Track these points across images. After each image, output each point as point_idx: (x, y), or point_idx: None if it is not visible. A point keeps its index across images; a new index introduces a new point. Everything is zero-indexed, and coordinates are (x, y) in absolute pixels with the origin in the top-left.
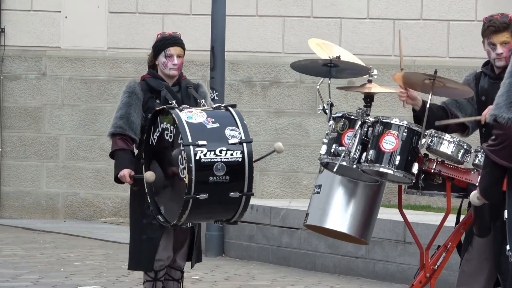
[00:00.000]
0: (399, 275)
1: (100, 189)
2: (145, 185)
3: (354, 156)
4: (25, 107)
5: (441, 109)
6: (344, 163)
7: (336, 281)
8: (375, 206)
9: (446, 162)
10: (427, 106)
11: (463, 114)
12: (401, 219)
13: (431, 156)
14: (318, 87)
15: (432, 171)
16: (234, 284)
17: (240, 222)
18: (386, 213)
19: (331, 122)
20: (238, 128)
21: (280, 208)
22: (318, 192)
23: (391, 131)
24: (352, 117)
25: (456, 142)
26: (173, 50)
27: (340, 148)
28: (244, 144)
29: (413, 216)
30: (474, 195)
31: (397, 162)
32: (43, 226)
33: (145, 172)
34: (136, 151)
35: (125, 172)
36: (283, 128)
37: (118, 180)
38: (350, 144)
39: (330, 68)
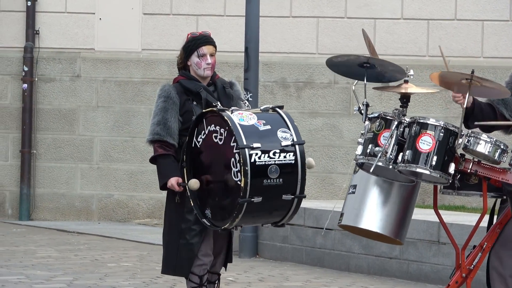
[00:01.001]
0: (433, 276)
1: (134, 191)
2: (187, 190)
3: (391, 156)
4: (59, 109)
5: (489, 106)
6: (380, 164)
7: (370, 281)
8: (410, 207)
9: (482, 162)
10: (464, 106)
11: (509, 111)
12: (435, 219)
13: (467, 156)
14: (353, 87)
15: (469, 171)
16: (268, 285)
17: None
18: (420, 214)
19: (366, 122)
20: (290, 130)
21: (314, 209)
22: (353, 192)
23: (428, 131)
24: (388, 117)
25: (493, 142)
26: (206, 49)
27: (377, 148)
28: (297, 146)
29: (447, 216)
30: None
31: (433, 163)
32: (77, 227)
33: (188, 179)
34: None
35: (173, 182)
36: (317, 129)
37: (164, 188)
38: (386, 144)
39: (366, 69)
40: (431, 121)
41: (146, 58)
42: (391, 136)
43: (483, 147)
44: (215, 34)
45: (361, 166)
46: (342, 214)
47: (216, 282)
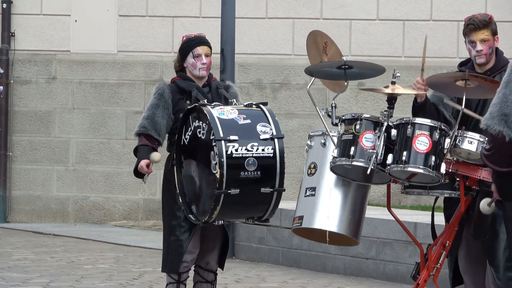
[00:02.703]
0: (409, 276)
1: (110, 193)
2: (176, 185)
3: (381, 158)
4: (35, 111)
5: (433, 105)
6: (361, 164)
7: (346, 282)
8: (365, 206)
9: (462, 160)
10: (462, 107)
11: (448, 112)
12: (412, 219)
13: (448, 156)
14: (308, 88)
15: (450, 170)
16: (244, 286)
17: (250, 224)
18: (397, 214)
19: (339, 123)
20: (270, 124)
21: (290, 210)
22: (313, 195)
23: (424, 132)
24: (370, 119)
25: (482, 141)
26: (201, 50)
27: (370, 150)
28: (276, 140)
29: (423, 216)
30: (485, 202)
31: (432, 163)
32: (53, 230)
33: (178, 177)
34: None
35: (142, 164)
36: (293, 130)
37: (137, 174)
38: (373, 146)
39: (345, 70)
40: (427, 121)
41: (122, 60)
42: (378, 138)
43: (473, 146)
44: None
45: (333, 168)
46: (301, 217)
47: (213, 282)
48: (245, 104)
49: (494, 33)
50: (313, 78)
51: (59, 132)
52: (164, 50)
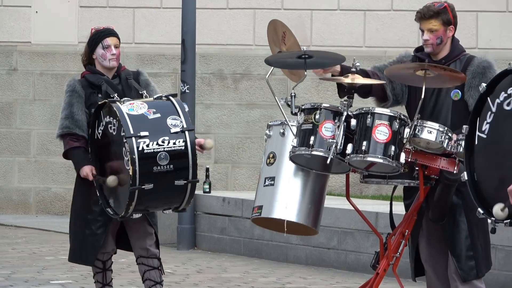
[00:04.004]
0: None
1: (71, 184)
2: (96, 183)
3: (340, 148)
4: None
5: (365, 73)
6: (321, 153)
7: (308, 272)
8: (324, 196)
9: (420, 150)
10: (422, 96)
11: (390, 87)
12: (373, 209)
13: (407, 146)
14: (267, 77)
15: (409, 160)
16: (206, 277)
17: (212, 215)
18: (357, 204)
19: (298, 113)
20: (180, 117)
21: (252, 200)
22: (272, 184)
23: (384, 122)
24: (329, 108)
25: (441, 130)
26: (110, 41)
27: (329, 140)
28: (186, 132)
29: (384, 206)
30: (498, 208)
31: (392, 153)
32: (14, 221)
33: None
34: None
35: (87, 170)
36: (254, 120)
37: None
38: (333, 135)
39: (305, 60)
40: (387, 111)
41: (82, 51)
42: (338, 127)
43: (432, 135)
44: (152, 27)
45: (292, 157)
46: (260, 207)
47: (159, 267)
48: (155, 96)
49: (447, 23)
50: (272, 68)
51: (20, 124)
52: (125, 41)
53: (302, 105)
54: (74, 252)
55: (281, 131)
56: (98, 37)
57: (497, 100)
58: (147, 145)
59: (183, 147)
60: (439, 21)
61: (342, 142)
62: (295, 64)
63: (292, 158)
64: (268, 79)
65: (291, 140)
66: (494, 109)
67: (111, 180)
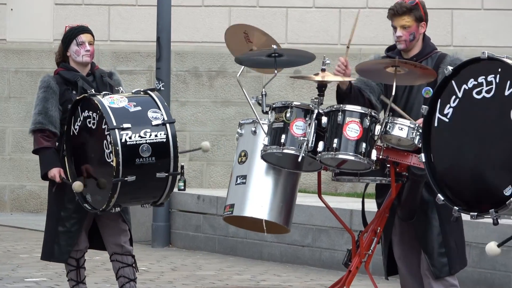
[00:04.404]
0: None
1: (46, 182)
2: (68, 176)
3: (311, 145)
4: None
5: (358, 91)
6: (292, 152)
7: (282, 269)
8: (296, 194)
9: (391, 147)
10: (392, 93)
11: (375, 96)
12: (347, 207)
13: (378, 143)
14: (238, 76)
15: (380, 157)
16: (181, 274)
17: (187, 212)
18: (333, 202)
19: (270, 111)
20: (160, 110)
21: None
22: (243, 183)
23: (355, 119)
24: (300, 106)
25: (412, 127)
26: (84, 37)
27: (301, 138)
28: (167, 125)
29: (359, 204)
30: (492, 245)
31: (363, 150)
32: None
33: (69, 167)
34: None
35: (55, 172)
36: (230, 118)
37: (46, 177)
38: (304, 133)
39: (275, 58)
40: (358, 108)
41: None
42: (309, 125)
43: (403, 132)
44: (127, 24)
45: (264, 156)
46: (232, 205)
47: (133, 264)
48: (133, 91)
49: (419, 19)
50: (243, 67)
51: None
52: (100, 39)
53: (273, 104)
54: (47, 249)
55: (253, 129)
56: (72, 34)
57: (465, 86)
58: (130, 137)
59: (164, 140)
60: (412, 17)
61: (313, 140)
62: (266, 62)
63: (263, 157)
64: (241, 77)
65: (262, 139)
66: (460, 94)
67: (77, 185)
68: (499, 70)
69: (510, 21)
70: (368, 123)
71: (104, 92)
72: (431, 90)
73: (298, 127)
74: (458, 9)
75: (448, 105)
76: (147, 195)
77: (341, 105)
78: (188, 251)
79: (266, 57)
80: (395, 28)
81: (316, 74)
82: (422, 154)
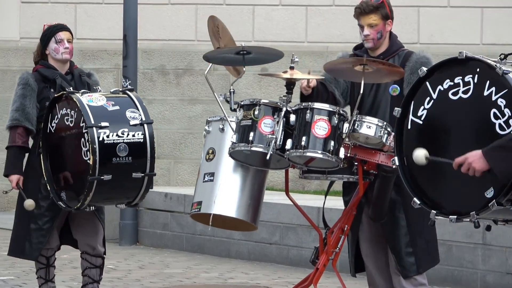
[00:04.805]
0: None
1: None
2: (43, 174)
3: (279, 143)
4: None
5: (323, 86)
6: (260, 149)
7: (250, 267)
8: (263, 191)
9: (359, 145)
10: (361, 91)
11: (339, 91)
12: (315, 204)
13: (346, 141)
14: (205, 73)
15: (348, 155)
16: (148, 272)
17: (154, 210)
18: (300, 199)
19: (238, 109)
20: (138, 110)
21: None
22: (211, 180)
23: (323, 117)
24: (268, 104)
25: (380, 125)
26: (63, 35)
27: (269, 136)
28: (145, 125)
29: (327, 201)
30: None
31: (331, 148)
32: None
33: (44, 164)
34: (31, 142)
35: (14, 179)
36: (197, 116)
37: (7, 177)
38: (272, 131)
39: (243, 56)
40: (326, 106)
41: (24, 47)
42: (277, 123)
43: (371, 130)
44: (94, 22)
45: (232, 154)
46: (199, 203)
47: (101, 266)
48: (111, 90)
49: (385, 17)
50: (211, 64)
51: None
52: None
53: (241, 101)
54: (17, 246)
55: (221, 127)
56: (51, 32)
57: (440, 87)
58: (107, 136)
59: (142, 140)
60: (378, 15)
61: (282, 137)
62: (234, 60)
63: (231, 154)
64: (208, 75)
65: (230, 136)
66: (434, 96)
67: (28, 203)
68: (477, 70)
69: (476, 18)
70: (336, 121)
71: (82, 90)
72: (398, 88)
73: (266, 124)
74: (424, 6)
75: (422, 107)
76: (122, 195)
77: (310, 103)
78: (156, 249)
79: (234, 55)
80: (362, 27)
81: (285, 72)
82: (396, 157)
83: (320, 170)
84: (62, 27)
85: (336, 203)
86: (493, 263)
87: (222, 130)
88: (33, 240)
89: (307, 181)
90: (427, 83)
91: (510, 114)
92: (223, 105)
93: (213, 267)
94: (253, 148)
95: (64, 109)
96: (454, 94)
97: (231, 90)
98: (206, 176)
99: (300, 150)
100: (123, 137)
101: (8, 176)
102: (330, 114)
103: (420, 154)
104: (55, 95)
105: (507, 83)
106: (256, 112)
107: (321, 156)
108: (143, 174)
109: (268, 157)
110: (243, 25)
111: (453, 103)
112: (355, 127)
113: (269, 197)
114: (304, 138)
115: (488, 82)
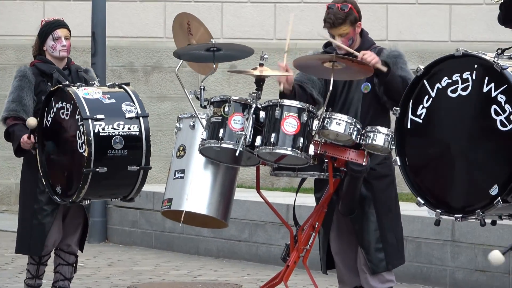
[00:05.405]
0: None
1: (2, 178)
2: (39, 168)
3: (249, 140)
4: None
5: (300, 88)
6: (230, 146)
7: (219, 265)
8: (234, 189)
9: (329, 142)
10: (330, 88)
11: (316, 90)
12: (284, 201)
13: (316, 138)
14: (176, 70)
15: (318, 152)
16: (117, 270)
17: (123, 208)
18: (269, 196)
19: (208, 106)
20: (134, 103)
21: (163, 193)
22: (182, 177)
23: (292, 114)
24: (238, 101)
25: (349, 122)
26: (60, 32)
27: (239, 132)
28: (141, 118)
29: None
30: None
31: (300, 144)
32: None
33: (40, 159)
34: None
35: (24, 137)
36: (166, 113)
37: (19, 152)
38: (242, 128)
39: (214, 53)
40: (296, 103)
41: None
42: (247, 120)
43: (341, 127)
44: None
45: (202, 150)
46: (170, 200)
47: (74, 264)
48: (107, 85)
49: (354, 22)
50: (181, 61)
51: None
52: (35, 34)
53: (212, 98)
54: (21, 243)
55: (191, 123)
56: (48, 28)
57: (438, 85)
58: (103, 128)
59: (137, 133)
60: (348, 24)
61: (251, 134)
62: (204, 56)
63: (201, 151)
64: (178, 72)
65: (201, 133)
66: (433, 94)
67: (31, 120)
68: (475, 66)
69: (444, 15)
70: (306, 118)
71: (78, 84)
72: (369, 85)
73: (236, 121)
74: (393, 3)
75: (421, 106)
76: (118, 188)
77: (280, 100)
78: (125, 246)
79: (204, 51)
80: (332, 36)
81: (254, 69)
82: (397, 158)
83: (291, 167)
84: (60, 24)
85: (306, 200)
86: (462, 260)
87: (193, 127)
88: (36, 236)
89: (276, 178)
90: (425, 81)
91: (511, 110)
92: (193, 102)
93: (182, 265)
94: (223, 145)
95: (60, 102)
96: (453, 91)
97: (201, 87)
98: (176, 173)
99: (269, 147)
100: (118, 129)
101: (20, 146)
102: (300, 111)
103: (497, 257)
104: (51, 88)
105: (506, 79)
106: (226, 109)
107: (290, 153)
108: (138, 167)
109: (237, 154)
110: (212, 22)
111: (453, 100)
112: (325, 124)
113: (238, 194)
114: (273, 135)
115: (487, 78)
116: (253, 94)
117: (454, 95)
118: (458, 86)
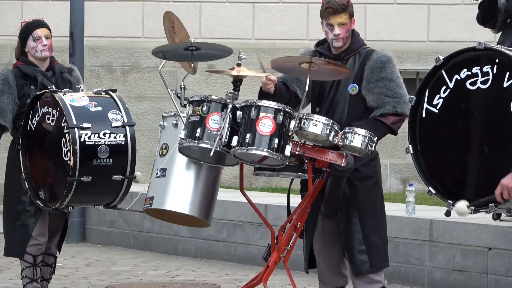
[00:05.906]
0: (260, 258)
1: None
2: (22, 170)
3: (225, 140)
4: None
5: (285, 86)
6: (207, 146)
7: (197, 265)
8: (217, 188)
9: (307, 143)
10: (306, 89)
11: (301, 89)
12: (262, 201)
13: (295, 138)
14: (160, 68)
15: (297, 153)
16: (95, 270)
17: (100, 208)
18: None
19: (188, 105)
20: (121, 111)
21: (140, 192)
22: (163, 176)
23: (268, 114)
24: (217, 101)
25: (328, 124)
26: (40, 32)
27: (214, 132)
28: (127, 127)
29: (274, 198)
30: (464, 205)
31: (275, 145)
32: None
33: (23, 162)
34: (10, 139)
35: None
36: (144, 113)
37: None
38: (219, 127)
39: (192, 52)
40: (272, 104)
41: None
42: (223, 120)
43: (318, 129)
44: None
45: (181, 149)
46: (151, 198)
47: (53, 264)
48: (94, 91)
49: (351, 15)
50: (164, 60)
51: None
52: (13, 34)
53: (191, 97)
54: (6, 245)
55: (174, 122)
56: (28, 29)
57: (457, 76)
58: (89, 137)
59: (123, 142)
60: (347, 14)
61: (228, 134)
62: (183, 55)
63: (180, 150)
64: (156, 71)
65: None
66: (451, 85)
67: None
68: (497, 61)
69: (422, 15)
70: (281, 119)
71: (65, 90)
72: (356, 87)
73: (214, 121)
74: (371, 3)
75: (438, 96)
76: (101, 197)
77: (256, 100)
78: (103, 246)
79: (183, 50)
80: (331, 26)
81: (232, 69)
82: (410, 146)
83: (271, 168)
84: (39, 24)
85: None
86: (440, 260)
87: (176, 125)
88: (19, 237)
89: (255, 178)
90: (443, 71)
91: None
92: (175, 101)
93: (160, 265)
94: (200, 144)
95: (46, 107)
96: (472, 84)
97: (182, 86)
98: (159, 171)
99: (244, 148)
100: (104, 138)
101: None
102: (276, 112)
103: (462, 207)
104: (37, 93)
105: None
106: (204, 108)
107: (265, 153)
108: (123, 177)
109: (212, 154)
110: (190, 22)
111: (471, 92)
112: (302, 125)
113: None
114: (248, 136)
115: (508, 73)
116: (230, 94)
117: (473, 88)
118: (477, 79)
